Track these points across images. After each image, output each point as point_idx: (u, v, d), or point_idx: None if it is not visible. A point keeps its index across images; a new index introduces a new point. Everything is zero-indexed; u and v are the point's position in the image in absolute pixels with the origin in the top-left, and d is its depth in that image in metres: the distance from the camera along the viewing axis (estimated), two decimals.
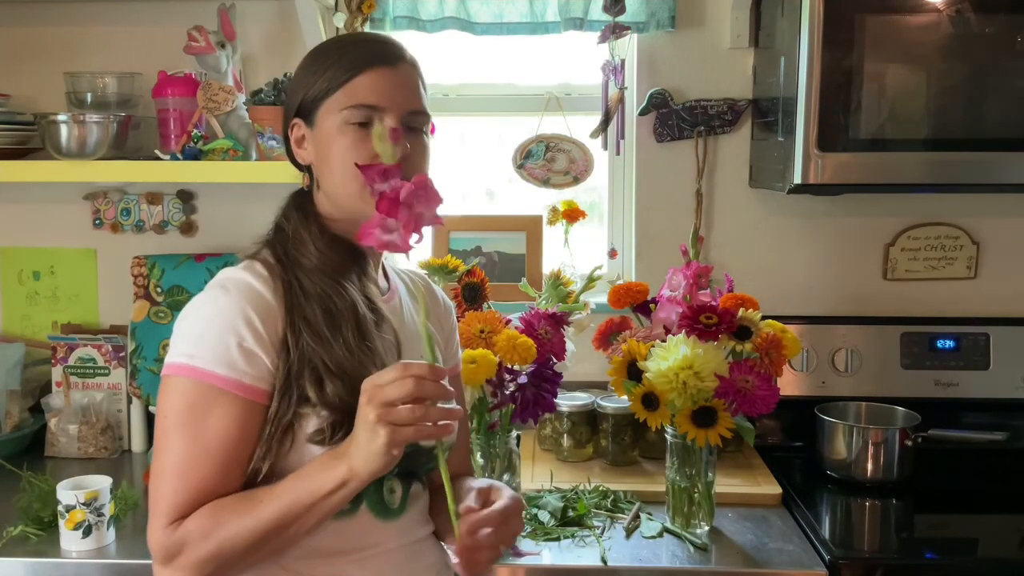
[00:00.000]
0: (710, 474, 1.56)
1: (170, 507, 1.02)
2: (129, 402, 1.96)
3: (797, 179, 1.67)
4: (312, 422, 1.05)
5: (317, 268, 1.11)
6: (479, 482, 1.15)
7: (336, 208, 1.14)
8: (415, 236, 0.95)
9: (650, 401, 1.47)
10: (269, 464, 1.05)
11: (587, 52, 2.04)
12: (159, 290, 1.94)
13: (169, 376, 1.05)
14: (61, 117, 1.76)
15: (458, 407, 1.01)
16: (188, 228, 2.09)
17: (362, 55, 1.11)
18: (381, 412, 0.95)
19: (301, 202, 1.18)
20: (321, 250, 1.13)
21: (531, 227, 2.09)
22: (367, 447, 0.96)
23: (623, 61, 1.98)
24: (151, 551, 1.04)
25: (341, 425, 1.04)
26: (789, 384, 1.91)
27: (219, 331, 1.04)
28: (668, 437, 1.56)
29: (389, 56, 1.12)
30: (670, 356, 1.44)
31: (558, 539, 1.52)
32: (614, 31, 1.92)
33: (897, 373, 1.96)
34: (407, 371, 0.96)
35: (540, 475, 1.77)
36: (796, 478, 1.80)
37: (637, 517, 1.60)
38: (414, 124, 1.14)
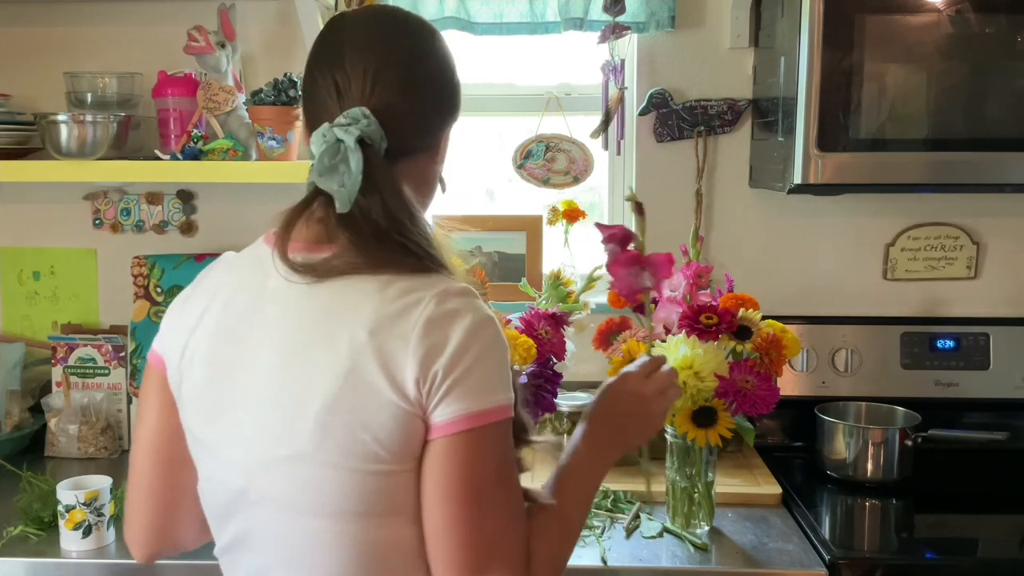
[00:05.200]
0: (710, 474, 1.56)
1: (521, 555, 0.93)
2: (129, 402, 1.96)
3: (797, 179, 1.67)
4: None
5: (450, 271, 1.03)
6: None
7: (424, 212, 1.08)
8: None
9: None
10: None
11: (587, 52, 2.04)
12: (159, 290, 1.94)
13: (493, 423, 0.91)
14: (61, 117, 1.76)
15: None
16: (188, 228, 2.09)
17: None
18: (665, 402, 1.15)
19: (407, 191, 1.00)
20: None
21: (531, 227, 2.09)
22: (645, 432, 1.17)
23: (623, 61, 1.98)
24: None
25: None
26: (789, 384, 1.91)
27: (507, 358, 0.95)
28: (668, 437, 1.56)
29: None
30: (670, 356, 1.44)
31: None
32: (614, 31, 1.92)
33: (897, 373, 1.96)
34: (660, 361, 1.18)
35: (540, 475, 1.76)
36: (796, 478, 1.80)
37: (637, 517, 1.60)
38: None
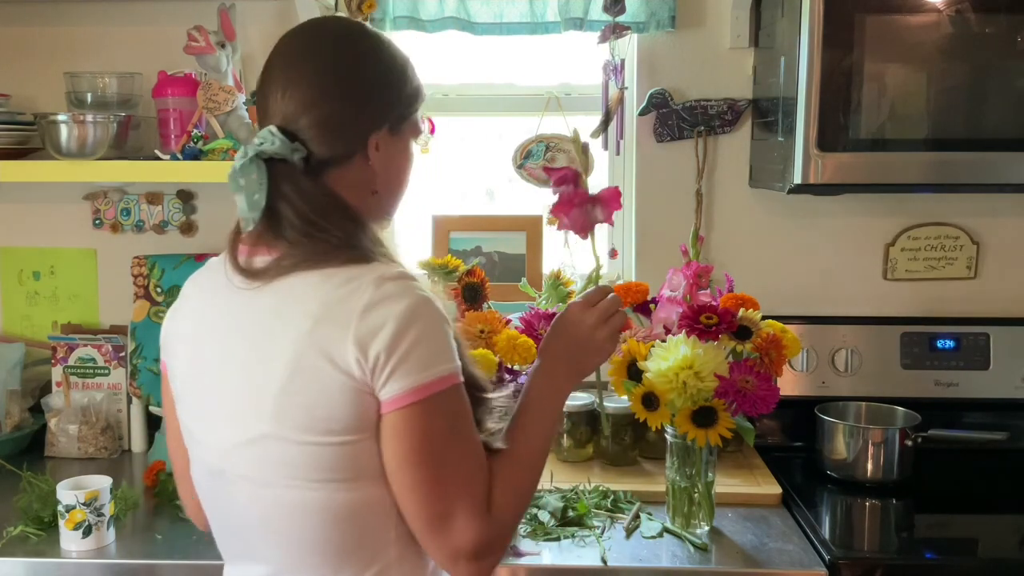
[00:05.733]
0: (710, 474, 1.56)
1: (480, 501, 1.02)
2: (129, 402, 1.97)
3: (797, 179, 1.67)
4: None
5: (392, 259, 1.10)
6: None
7: (373, 212, 1.12)
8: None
9: (650, 401, 1.47)
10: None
11: (587, 52, 2.04)
12: (159, 290, 1.94)
13: (439, 392, 0.99)
14: (61, 117, 1.76)
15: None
16: (188, 228, 2.09)
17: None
18: (610, 327, 1.19)
19: (331, 192, 1.07)
20: (384, 243, 1.12)
21: (531, 227, 2.09)
22: (594, 359, 1.20)
23: (623, 61, 1.98)
24: (466, 555, 1.01)
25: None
26: (789, 384, 1.91)
27: (449, 332, 1.03)
28: (668, 437, 1.56)
29: None
30: (670, 356, 1.44)
31: (558, 539, 1.52)
32: (614, 31, 1.92)
33: (897, 373, 1.96)
34: (606, 290, 1.21)
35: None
36: (796, 478, 1.80)
37: (637, 517, 1.60)
38: None
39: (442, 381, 0.99)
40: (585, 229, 1.23)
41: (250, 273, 1.04)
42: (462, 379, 1.03)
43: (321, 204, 1.04)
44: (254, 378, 1.02)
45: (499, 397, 1.15)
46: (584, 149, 1.25)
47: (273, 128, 1.04)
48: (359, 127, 1.07)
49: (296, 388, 0.98)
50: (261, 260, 1.05)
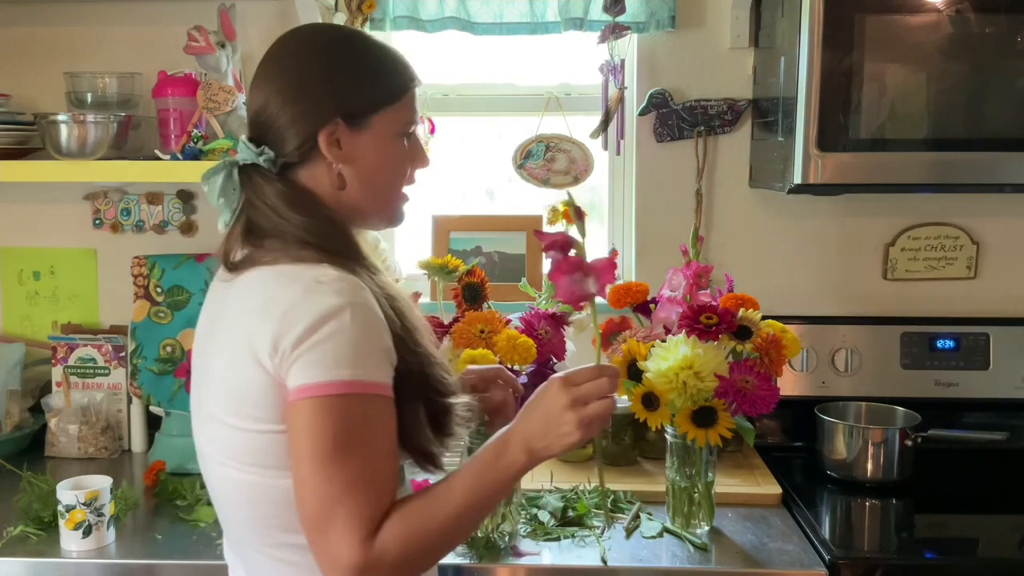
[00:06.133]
0: (710, 474, 1.56)
1: (361, 522, 1.00)
2: (129, 402, 1.97)
3: (797, 179, 1.67)
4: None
5: (358, 255, 1.13)
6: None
7: (356, 210, 1.15)
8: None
9: (650, 401, 1.46)
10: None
11: (587, 52, 2.04)
12: (159, 290, 1.94)
13: (329, 395, 1.01)
14: (61, 117, 1.76)
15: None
16: (188, 228, 2.09)
17: (408, 69, 1.18)
18: (583, 413, 1.07)
19: (300, 191, 1.13)
20: (353, 237, 1.15)
21: (531, 227, 2.09)
22: (557, 442, 1.07)
23: (623, 61, 1.98)
24: (343, 568, 1.00)
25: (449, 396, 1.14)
26: (789, 384, 1.91)
27: (370, 342, 1.03)
28: (668, 437, 1.56)
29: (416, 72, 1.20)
30: (670, 356, 1.44)
31: (558, 539, 1.52)
32: (614, 31, 1.92)
33: (897, 373, 1.96)
34: (604, 371, 1.10)
35: (540, 475, 1.77)
36: (796, 478, 1.80)
37: (637, 517, 1.60)
38: None
39: (341, 385, 1.00)
40: (575, 300, 1.12)
41: (228, 266, 1.13)
42: (375, 392, 1.02)
43: (285, 203, 1.10)
44: (209, 363, 1.13)
45: (460, 403, 1.14)
46: (579, 214, 1.16)
47: (243, 138, 1.13)
48: (305, 123, 1.10)
49: (229, 376, 1.07)
50: (239, 254, 1.12)
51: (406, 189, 1.21)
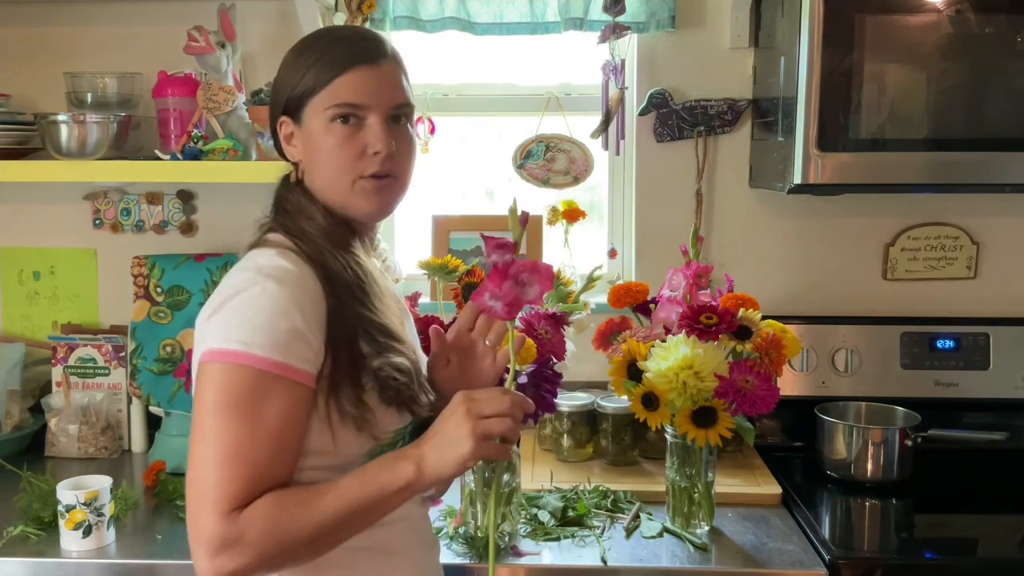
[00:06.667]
0: (710, 474, 1.56)
1: (227, 494, 1.00)
2: (129, 402, 1.96)
3: (797, 179, 1.67)
4: (373, 396, 1.11)
5: (327, 241, 1.15)
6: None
7: (325, 202, 1.18)
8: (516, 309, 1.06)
9: (650, 401, 1.47)
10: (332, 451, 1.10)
11: (587, 52, 2.04)
12: (159, 290, 1.94)
13: (218, 362, 1.04)
14: (61, 117, 1.76)
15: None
16: (188, 228, 2.09)
17: (345, 53, 1.14)
18: (476, 424, 1.04)
19: (295, 187, 1.21)
20: (328, 224, 1.16)
21: (531, 227, 2.09)
22: (447, 454, 1.05)
23: (623, 61, 1.98)
24: (199, 540, 1.00)
25: (408, 388, 1.13)
26: (789, 384, 1.91)
27: (272, 318, 1.04)
28: (668, 437, 1.56)
29: (371, 54, 1.15)
30: (670, 356, 1.44)
31: (558, 539, 1.52)
32: (614, 31, 1.92)
33: (897, 373, 1.96)
34: (507, 392, 1.07)
35: (540, 475, 1.77)
36: (796, 478, 1.80)
37: (637, 517, 1.60)
38: (399, 117, 1.18)
39: (229, 355, 1.03)
40: (514, 306, 1.06)
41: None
42: (269, 370, 1.02)
43: (276, 192, 1.21)
44: None
45: (402, 348, 1.14)
46: (523, 220, 1.10)
47: None
48: (272, 124, 1.22)
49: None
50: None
51: (369, 173, 1.15)
